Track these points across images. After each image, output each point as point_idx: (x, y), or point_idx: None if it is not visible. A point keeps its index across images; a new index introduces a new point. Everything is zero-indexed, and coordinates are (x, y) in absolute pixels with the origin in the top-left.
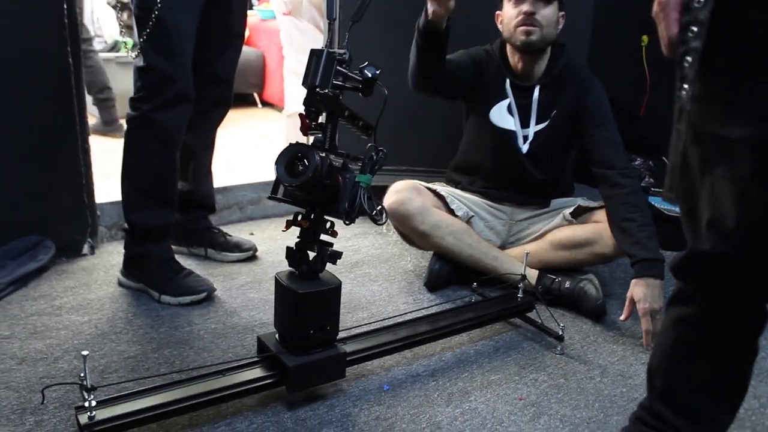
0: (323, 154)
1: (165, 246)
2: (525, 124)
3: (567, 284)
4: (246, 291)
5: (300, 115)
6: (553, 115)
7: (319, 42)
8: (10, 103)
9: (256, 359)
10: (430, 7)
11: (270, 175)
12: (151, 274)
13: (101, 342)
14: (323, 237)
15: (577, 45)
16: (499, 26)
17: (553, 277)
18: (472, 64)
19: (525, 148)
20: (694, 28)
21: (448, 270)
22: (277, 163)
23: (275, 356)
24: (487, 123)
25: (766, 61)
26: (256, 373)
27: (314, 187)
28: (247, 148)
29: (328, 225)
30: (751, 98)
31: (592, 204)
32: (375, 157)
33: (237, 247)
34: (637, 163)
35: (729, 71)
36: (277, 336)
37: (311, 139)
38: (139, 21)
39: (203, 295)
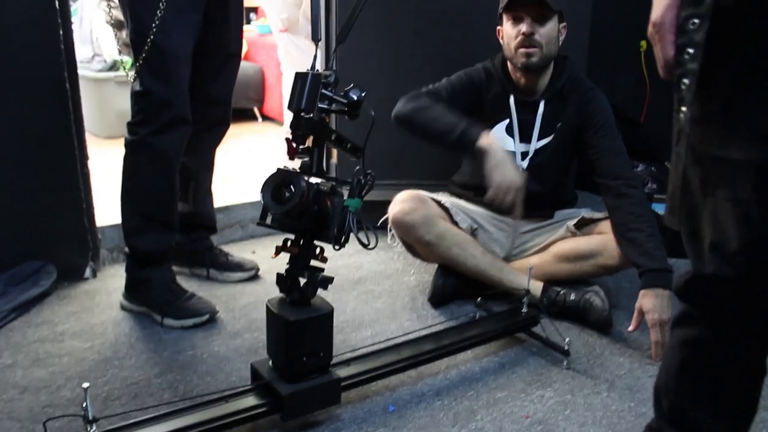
0: (310, 180)
1: (166, 269)
2: (526, 139)
3: (572, 296)
4: (248, 311)
5: (286, 139)
6: (558, 128)
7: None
8: (8, 129)
9: (250, 387)
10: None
11: None
12: (153, 298)
13: (104, 368)
14: (313, 262)
15: (575, 52)
16: (501, 41)
17: (558, 289)
18: (470, 90)
19: (525, 164)
20: (690, 50)
21: (453, 284)
22: (263, 190)
23: (268, 384)
24: None
25: (764, 77)
26: (251, 401)
27: (302, 214)
28: (247, 165)
29: (317, 250)
30: (751, 117)
31: (596, 215)
32: (363, 181)
33: (239, 267)
34: (639, 169)
35: (727, 91)
36: (270, 363)
37: (299, 162)
38: (134, 45)
39: (206, 317)
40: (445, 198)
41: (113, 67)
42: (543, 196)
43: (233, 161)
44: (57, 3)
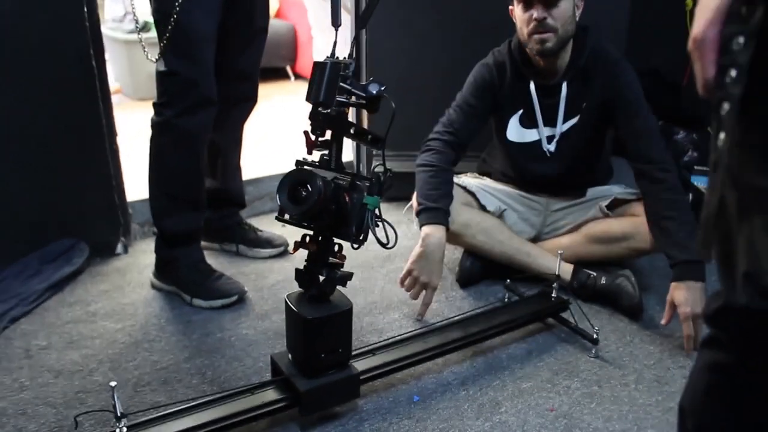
0: (327, 177)
1: (195, 248)
2: (551, 123)
3: (603, 280)
4: (277, 291)
5: (304, 132)
6: (583, 108)
7: (346, 23)
8: (38, 111)
9: (269, 381)
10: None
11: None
12: (182, 278)
13: (134, 351)
14: (333, 258)
15: (616, 12)
16: (514, 20)
17: (589, 272)
18: (485, 95)
19: (552, 147)
20: (733, 73)
21: (480, 266)
22: (279, 190)
23: (288, 379)
24: (505, 140)
25: None
26: (270, 396)
27: (319, 214)
28: (278, 128)
29: (336, 248)
30: None
31: (629, 196)
32: (382, 179)
33: (268, 243)
34: (679, 136)
35: (763, 133)
36: (290, 356)
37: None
38: (158, 25)
39: (234, 298)
40: (471, 180)
41: (144, 27)
42: (573, 176)
43: (264, 123)
44: None
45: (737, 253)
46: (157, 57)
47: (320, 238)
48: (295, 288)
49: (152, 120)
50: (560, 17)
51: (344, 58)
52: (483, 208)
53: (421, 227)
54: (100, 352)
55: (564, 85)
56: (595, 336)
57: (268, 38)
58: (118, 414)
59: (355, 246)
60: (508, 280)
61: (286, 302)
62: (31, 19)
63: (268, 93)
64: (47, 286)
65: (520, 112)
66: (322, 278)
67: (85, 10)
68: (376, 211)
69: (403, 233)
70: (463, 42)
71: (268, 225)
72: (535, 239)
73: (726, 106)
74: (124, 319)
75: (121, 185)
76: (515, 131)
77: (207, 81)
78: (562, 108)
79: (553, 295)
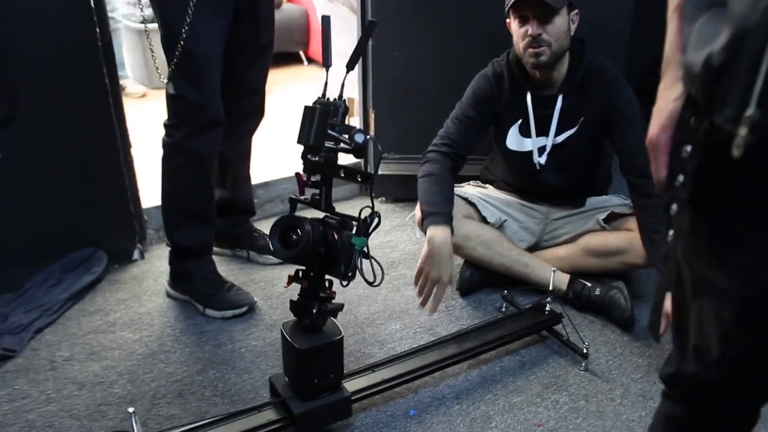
0: (316, 222)
1: (207, 261)
2: (544, 133)
3: (597, 291)
4: (286, 300)
5: (297, 174)
6: (581, 122)
7: (353, 24)
8: (57, 129)
9: (268, 402)
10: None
11: None
12: (195, 289)
13: (151, 363)
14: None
15: (619, 12)
16: (512, 33)
17: (584, 283)
18: (484, 107)
19: (543, 160)
20: (681, 178)
21: (480, 276)
22: (270, 235)
23: (284, 402)
24: (505, 148)
25: (753, 221)
26: (269, 416)
27: (309, 256)
28: (295, 112)
29: (327, 284)
30: (735, 255)
31: (626, 210)
32: (369, 221)
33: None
34: None
35: (714, 224)
36: (286, 379)
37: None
38: (166, 50)
39: (245, 309)
40: (472, 191)
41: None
42: (571, 186)
43: (281, 107)
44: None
45: (690, 328)
46: (166, 80)
47: (312, 274)
48: None
49: (163, 140)
50: (554, 33)
51: (334, 99)
52: (484, 219)
53: (425, 231)
54: (119, 363)
55: (560, 98)
56: (585, 350)
57: (281, 22)
58: None
59: (344, 283)
60: (506, 291)
61: (281, 331)
62: (48, 43)
63: (283, 78)
64: (69, 296)
65: (520, 121)
66: (314, 310)
67: (97, 30)
68: (365, 249)
69: (407, 237)
70: (466, 49)
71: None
72: (535, 246)
73: (674, 207)
74: (141, 329)
75: (136, 195)
76: (515, 140)
77: (214, 104)
78: (556, 119)
79: (546, 309)
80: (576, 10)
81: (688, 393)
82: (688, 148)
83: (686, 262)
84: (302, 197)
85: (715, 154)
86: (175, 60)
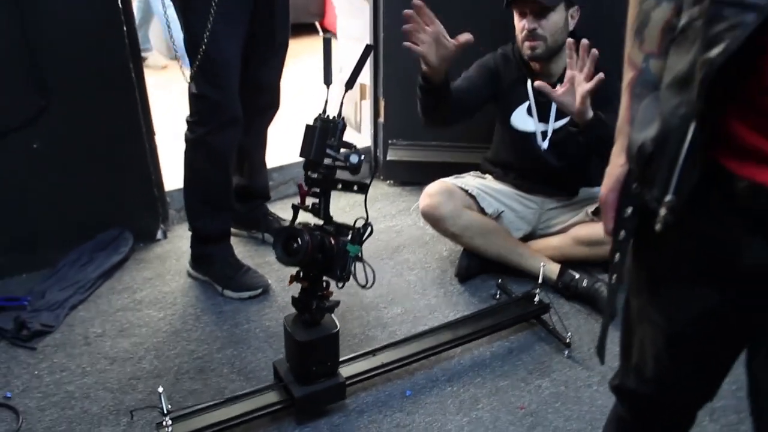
0: (315, 231)
1: (226, 245)
2: (545, 119)
3: (584, 283)
4: (296, 284)
5: (299, 185)
6: None
7: (365, 11)
8: (86, 118)
9: (272, 385)
10: (423, 66)
11: None
12: (214, 271)
13: (175, 341)
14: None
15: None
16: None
17: (574, 274)
18: (488, 78)
19: (545, 144)
20: (623, 233)
21: (477, 264)
22: (274, 244)
23: (286, 385)
24: (509, 127)
25: (673, 275)
26: (272, 398)
27: (308, 262)
28: (311, 84)
29: (324, 284)
30: (664, 299)
31: None
32: (362, 230)
33: None
34: None
35: (649, 273)
36: (287, 365)
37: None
38: (188, 52)
39: (260, 290)
40: (472, 182)
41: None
42: (566, 173)
43: (296, 81)
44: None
45: (633, 348)
46: (189, 80)
47: (311, 275)
48: None
49: (186, 135)
50: (550, 28)
51: (333, 117)
52: (482, 210)
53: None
54: (146, 340)
55: (557, 87)
56: (567, 340)
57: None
58: (165, 411)
59: (340, 285)
60: (500, 279)
61: (284, 324)
62: (78, 38)
63: (297, 51)
64: (99, 274)
65: (526, 103)
66: (313, 306)
67: (125, 29)
68: (359, 254)
69: (413, 221)
70: (479, 34)
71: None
72: (530, 235)
73: (617, 256)
74: (165, 308)
75: (159, 179)
76: (521, 119)
77: (233, 102)
78: (554, 107)
79: (535, 299)
80: (576, 7)
81: (630, 402)
82: (629, 209)
83: (632, 294)
84: (304, 205)
85: (647, 219)
86: (197, 63)
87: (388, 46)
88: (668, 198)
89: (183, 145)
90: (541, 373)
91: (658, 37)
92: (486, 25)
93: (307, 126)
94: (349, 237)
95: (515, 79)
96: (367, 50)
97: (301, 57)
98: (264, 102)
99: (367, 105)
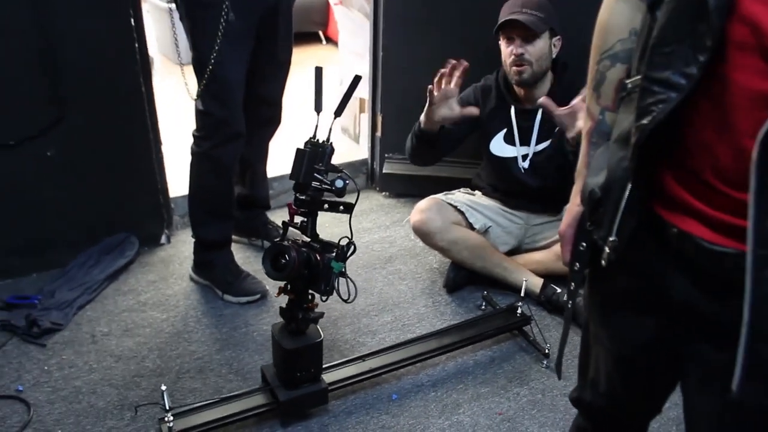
0: (303, 248)
1: (226, 252)
2: (526, 143)
3: (565, 297)
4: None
5: (288, 204)
6: (555, 132)
7: (366, 29)
8: (97, 128)
9: (260, 388)
10: (423, 117)
11: None
12: (215, 276)
13: (176, 341)
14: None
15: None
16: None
17: (555, 288)
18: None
19: (525, 165)
20: (578, 265)
21: (464, 276)
22: (263, 261)
23: (272, 389)
24: (489, 154)
25: (621, 305)
26: (259, 400)
27: (295, 277)
28: (308, 102)
29: (310, 296)
30: (613, 325)
31: None
32: (345, 249)
33: None
34: None
35: (601, 301)
36: (274, 370)
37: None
38: (196, 71)
39: (258, 296)
40: (461, 198)
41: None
42: (548, 193)
43: (299, 89)
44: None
45: (590, 365)
46: (196, 97)
47: (297, 288)
48: None
49: (192, 149)
50: (535, 53)
51: (323, 142)
52: (470, 225)
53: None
54: (150, 340)
55: (539, 112)
56: (546, 351)
57: (301, 3)
58: (167, 408)
59: (324, 298)
60: (485, 292)
61: (272, 332)
62: (92, 55)
63: (301, 60)
64: (106, 276)
65: (504, 131)
66: (299, 317)
67: (136, 45)
68: (342, 270)
69: (405, 233)
70: (471, 57)
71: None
72: (516, 249)
73: (572, 284)
74: (168, 310)
75: (165, 186)
76: (498, 146)
77: (237, 119)
78: (536, 131)
79: (518, 312)
80: (558, 37)
81: (588, 413)
82: (584, 244)
83: (589, 317)
84: (293, 223)
85: (598, 254)
86: (204, 81)
87: (386, 65)
88: (611, 239)
89: (186, 154)
90: (520, 381)
91: (612, 93)
92: (480, 50)
93: (298, 150)
94: (334, 254)
95: (494, 107)
96: (355, 81)
97: (305, 66)
98: (266, 117)
99: (366, 118)
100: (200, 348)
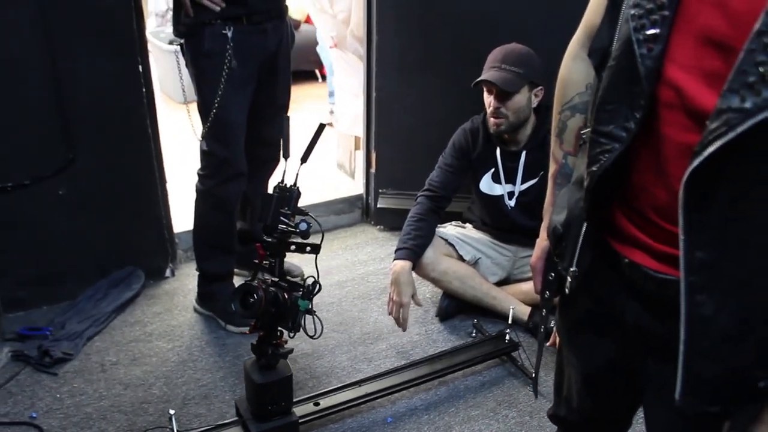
0: (271, 287)
1: (229, 284)
2: (512, 181)
3: (552, 323)
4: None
5: (257, 245)
6: (540, 175)
7: (359, 69)
8: (106, 168)
9: (233, 421)
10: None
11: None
12: (218, 307)
13: (182, 369)
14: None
15: None
16: None
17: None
18: (463, 158)
19: (512, 203)
20: (547, 293)
21: (455, 305)
22: (232, 299)
23: (245, 422)
24: (480, 192)
25: (585, 329)
26: None
27: (263, 314)
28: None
29: (279, 333)
30: (578, 346)
31: None
32: (311, 287)
33: (288, 273)
34: None
35: (569, 325)
36: (247, 404)
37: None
38: (201, 114)
39: None
40: (452, 231)
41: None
42: (535, 228)
43: (296, 126)
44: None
45: (564, 383)
46: (200, 138)
47: (266, 325)
48: (308, 318)
49: (196, 186)
50: (512, 107)
51: (290, 186)
52: (461, 257)
53: (393, 261)
54: (156, 368)
55: (523, 153)
56: (534, 375)
57: (299, 42)
58: (175, 431)
59: (291, 335)
60: (476, 320)
61: (244, 367)
62: (101, 101)
63: (297, 97)
64: (113, 309)
65: (492, 170)
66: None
67: (143, 90)
68: (309, 307)
69: None
70: (457, 103)
71: (288, 256)
72: (505, 281)
73: (543, 311)
74: (173, 340)
75: (169, 222)
76: (487, 185)
77: (238, 159)
78: (521, 172)
79: (506, 339)
80: (540, 87)
81: (563, 428)
82: (552, 274)
83: (561, 340)
84: (261, 264)
85: (564, 283)
86: (209, 124)
87: (379, 104)
88: (572, 269)
89: (188, 191)
90: (509, 404)
91: (573, 140)
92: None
93: (265, 195)
94: (300, 293)
95: (482, 149)
96: (320, 129)
97: (303, 104)
98: (266, 156)
99: (361, 155)
100: (204, 376)
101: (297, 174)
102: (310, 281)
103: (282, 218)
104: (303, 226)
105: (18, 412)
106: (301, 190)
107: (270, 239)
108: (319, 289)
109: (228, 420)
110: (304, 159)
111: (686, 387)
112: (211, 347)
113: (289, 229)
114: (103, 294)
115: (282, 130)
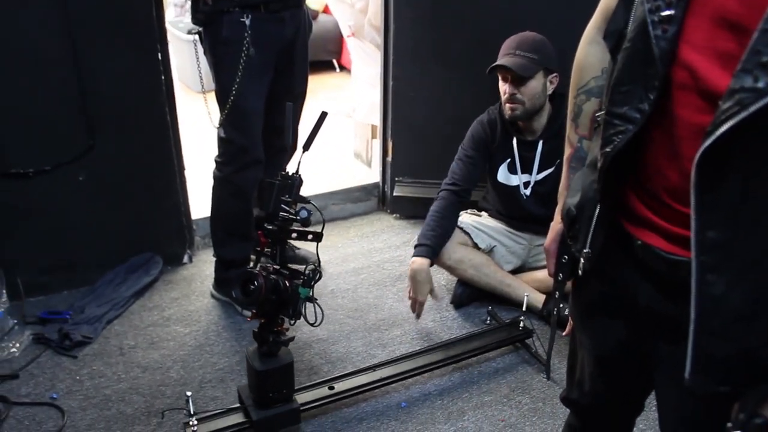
0: (272, 275)
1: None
2: (528, 171)
3: (566, 311)
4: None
5: (259, 233)
6: (557, 163)
7: (377, 59)
8: (125, 155)
9: (236, 407)
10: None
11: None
12: None
13: (199, 353)
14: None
15: None
16: None
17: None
18: (483, 149)
19: (527, 192)
20: (561, 275)
21: (470, 293)
22: (233, 286)
23: (246, 408)
24: (496, 182)
25: (598, 310)
26: (235, 419)
27: (264, 302)
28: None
29: (280, 320)
30: (591, 329)
31: None
32: (311, 275)
33: (304, 260)
34: None
35: (582, 307)
36: (249, 391)
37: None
38: (219, 102)
39: None
40: (467, 219)
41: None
42: (549, 218)
43: (311, 117)
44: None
45: (576, 367)
46: (218, 125)
47: (267, 313)
48: (324, 303)
49: (214, 173)
50: (528, 93)
51: (292, 174)
52: (476, 245)
53: (412, 257)
54: (174, 353)
55: (540, 143)
56: (546, 359)
57: (317, 32)
58: (191, 413)
59: (292, 322)
60: (490, 307)
61: (246, 354)
62: (122, 87)
63: (314, 88)
64: (132, 293)
65: (508, 160)
66: (270, 340)
67: (162, 78)
68: (309, 295)
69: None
70: (472, 92)
71: (304, 243)
72: (520, 268)
73: (557, 293)
74: (190, 325)
75: (188, 209)
76: (504, 175)
77: (256, 147)
78: (537, 161)
79: (520, 326)
80: (555, 74)
81: (576, 412)
82: (566, 257)
83: (575, 323)
84: (263, 251)
85: (577, 265)
86: (226, 111)
87: (396, 93)
88: (586, 250)
89: (206, 178)
90: (523, 390)
91: (588, 124)
92: (486, 81)
93: (267, 182)
94: (301, 281)
95: (500, 140)
96: (322, 117)
97: (319, 94)
98: (282, 143)
99: (377, 144)
100: (221, 360)
101: (299, 162)
102: (310, 269)
103: (283, 206)
104: (303, 214)
105: (39, 393)
106: (309, 178)
107: (271, 226)
108: (320, 277)
109: (231, 406)
110: (306, 147)
111: (696, 366)
112: (228, 332)
113: (290, 216)
114: (122, 279)
115: (287, 119)
